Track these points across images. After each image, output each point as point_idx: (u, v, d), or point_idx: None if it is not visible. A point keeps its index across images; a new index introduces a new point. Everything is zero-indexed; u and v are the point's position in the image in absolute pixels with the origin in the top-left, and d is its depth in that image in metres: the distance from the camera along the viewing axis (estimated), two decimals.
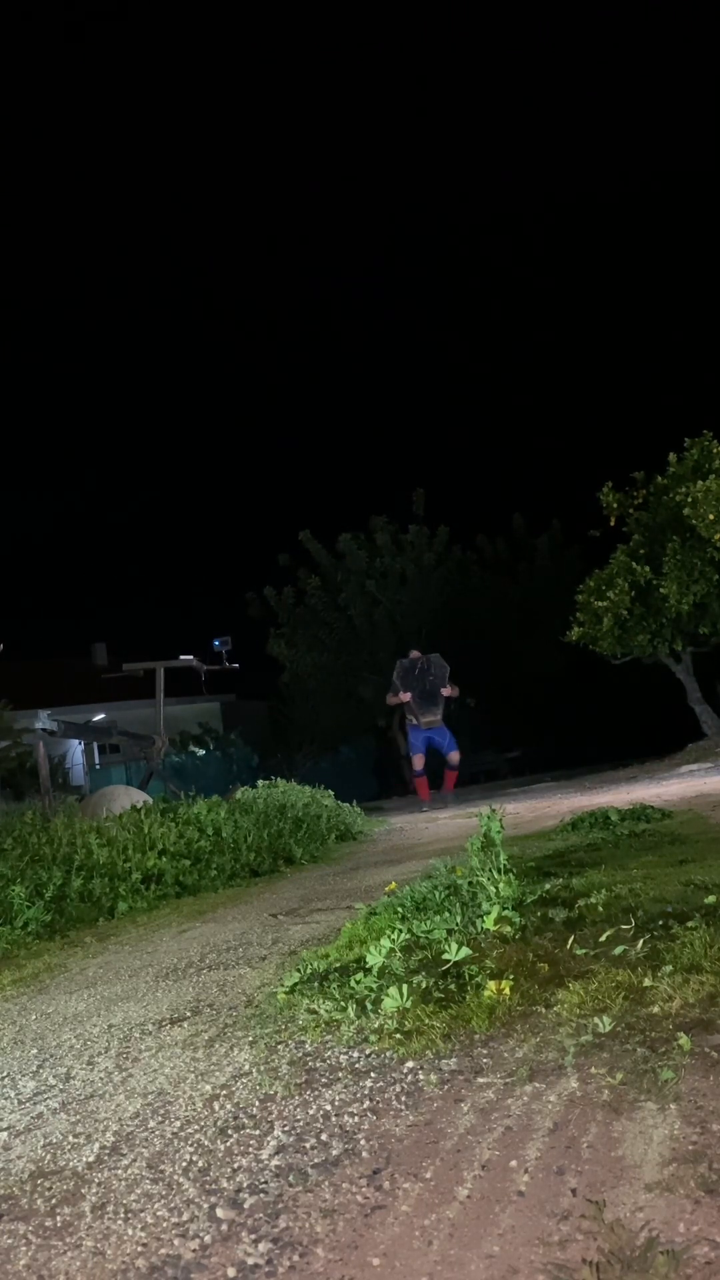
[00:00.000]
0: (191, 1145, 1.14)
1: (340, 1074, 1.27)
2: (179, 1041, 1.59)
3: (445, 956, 1.50)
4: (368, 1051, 1.32)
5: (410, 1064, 1.25)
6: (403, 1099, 1.15)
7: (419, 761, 9.90)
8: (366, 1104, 1.15)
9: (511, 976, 1.41)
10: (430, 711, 9.57)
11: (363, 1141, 1.06)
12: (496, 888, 1.83)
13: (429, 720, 9.59)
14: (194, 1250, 0.89)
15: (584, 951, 1.50)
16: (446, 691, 9.52)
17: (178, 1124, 1.22)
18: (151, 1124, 1.23)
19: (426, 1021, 1.34)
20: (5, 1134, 1.31)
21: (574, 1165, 0.91)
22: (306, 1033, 1.45)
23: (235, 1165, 1.06)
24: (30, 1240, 0.98)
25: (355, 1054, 1.33)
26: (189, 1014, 1.77)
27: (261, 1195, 0.98)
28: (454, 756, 9.69)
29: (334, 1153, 1.04)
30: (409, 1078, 1.21)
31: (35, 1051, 1.72)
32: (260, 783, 7.55)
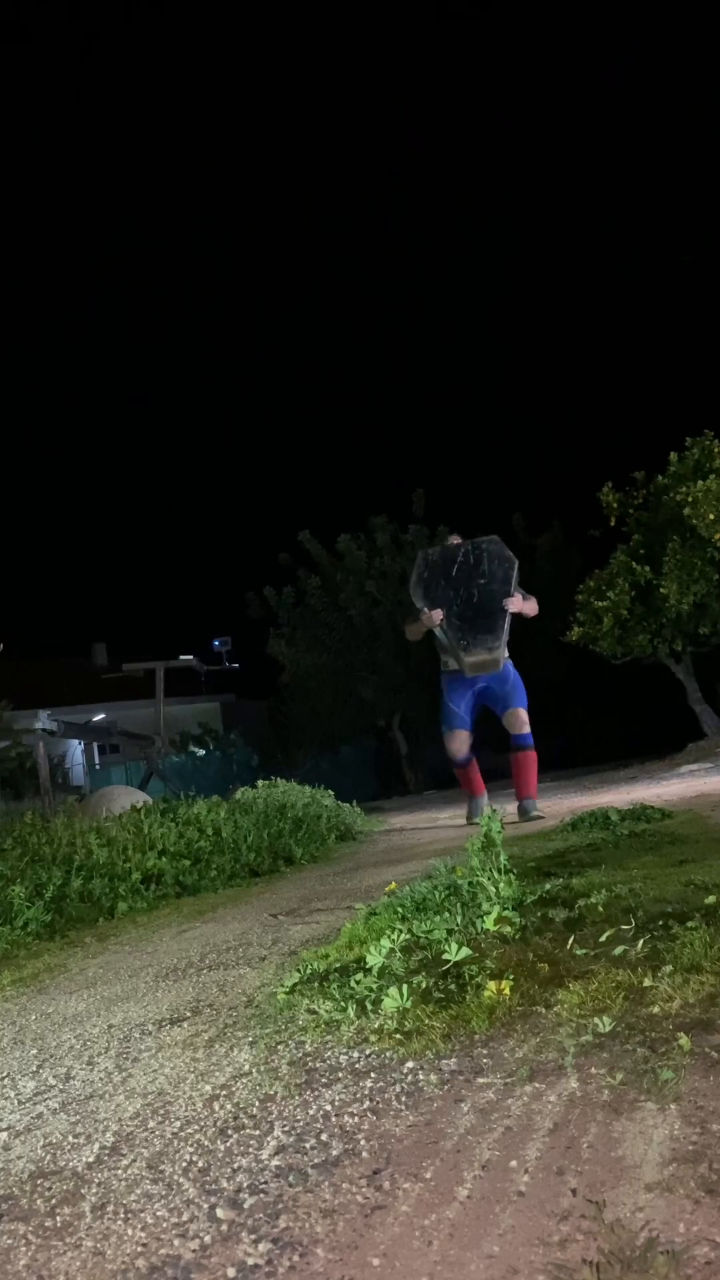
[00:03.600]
0: (191, 1145, 1.14)
1: (340, 1074, 1.27)
2: (179, 1041, 1.59)
3: (445, 957, 1.50)
4: (368, 1052, 1.32)
5: (410, 1064, 1.25)
6: (403, 1099, 1.15)
7: (459, 743, 5.63)
8: (366, 1104, 1.15)
9: (511, 976, 1.41)
10: (481, 644, 5.24)
11: (363, 1141, 1.06)
12: (497, 888, 1.83)
13: (478, 661, 5.24)
14: (194, 1250, 0.89)
15: (584, 951, 1.50)
16: (513, 605, 5.28)
17: (178, 1124, 1.21)
18: (151, 1124, 1.23)
19: (426, 1022, 1.34)
20: (5, 1134, 1.31)
21: (574, 1165, 0.91)
22: (306, 1033, 1.45)
23: (235, 1165, 1.06)
24: (30, 1240, 0.98)
25: (355, 1054, 1.33)
26: (189, 1014, 1.77)
27: (261, 1195, 0.98)
28: (519, 717, 5.44)
29: (334, 1153, 1.04)
30: (409, 1078, 1.21)
31: (35, 1052, 1.72)
32: (260, 783, 7.56)
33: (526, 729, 5.60)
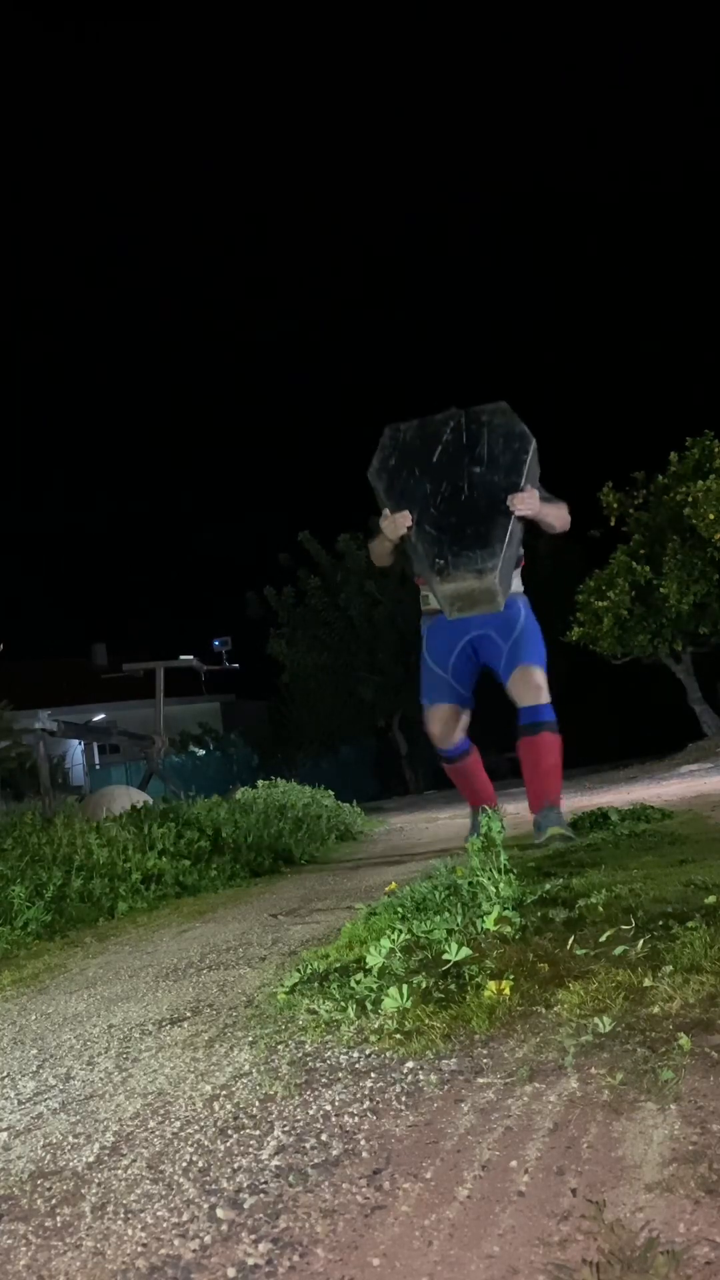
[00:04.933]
0: (191, 1145, 1.14)
1: (340, 1074, 1.27)
2: (179, 1042, 1.59)
3: (445, 957, 1.50)
4: (368, 1052, 1.32)
5: (410, 1064, 1.25)
6: (403, 1099, 1.15)
7: (442, 722, 3.93)
8: (366, 1104, 1.15)
9: (512, 976, 1.41)
10: (467, 563, 3.50)
11: (363, 1142, 1.06)
12: (497, 888, 1.83)
13: (462, 590, 3.52)
14: (194, 1250, 0.89)
15: (584, 951, 1.50)
16: (523, 505, 3.56)
17: (178, 1124, 1.21)
18: (151, 1124, 1.23)
19: (426, 1022, 1.34)
20: (5, 1134, 1.31)
21: (574, 1165, 0.91)
22: (306, 1033, 1.45)
23: (235, 1165, 1.06)
24: (30, 1240, 0.98)
25: (355, 1054, 1.33)
26: (189, 1014, 1.76)
27: (261, 1195, 0.98)
28: (532, 679, 3.73)
29: (334, 1153, 1.04)
30: (409, 1078, 1.21)
31: (35, 1052, 1.72)
32: (260, 783, 7.56)
33: (544, 698, 3.63)
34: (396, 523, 3.67)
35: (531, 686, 3.75)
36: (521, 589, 3.92)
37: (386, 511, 3.70)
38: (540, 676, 3.79)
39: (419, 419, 3.78)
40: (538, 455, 3.70)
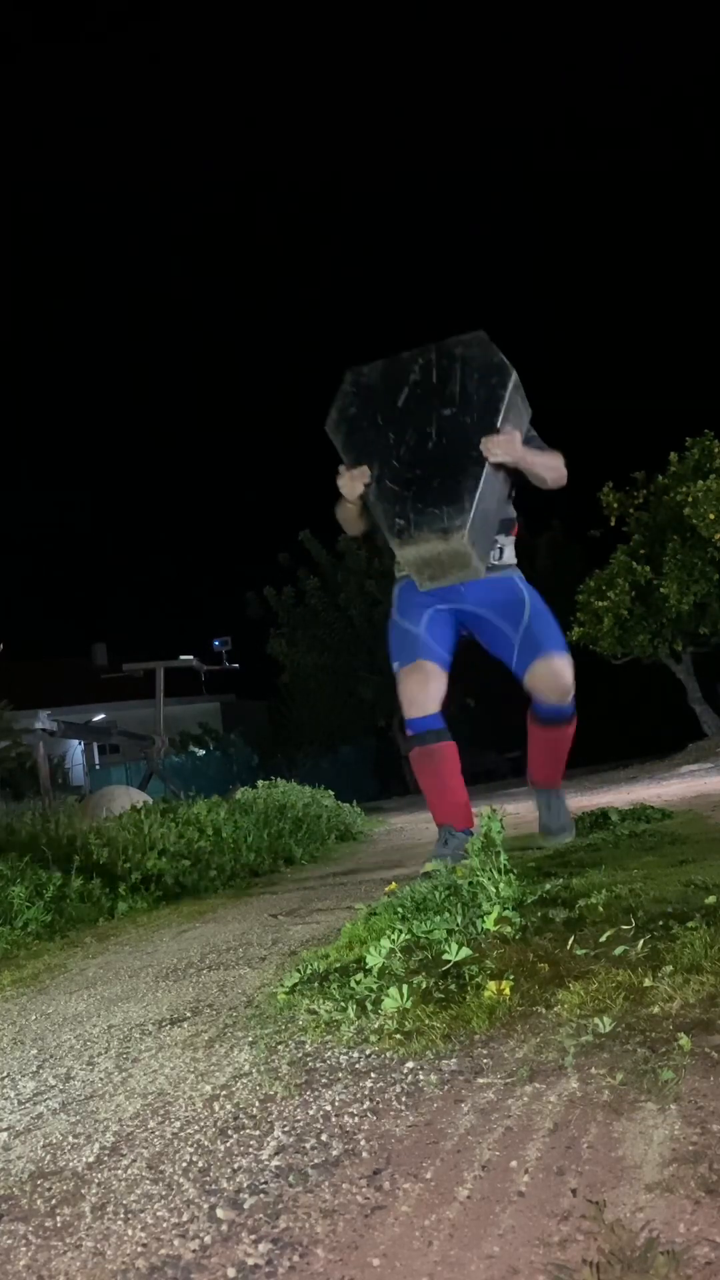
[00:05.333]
0: (191, 1145, 1.14)
1: (340, 1074, 1.27)
2: (179, 1042, 1.59)
3: (445, 957, 1.50)
4: (368, 1052, 1.32)
5: (410, 1064, 1.25)
6: (403, 1099, 1.15)
7: (418, 685, 3.19)
8: (366, 1104, 1.15)
9: (512, 977, 1.41)
10: (430, 521, 2.91)
11: (363, 1142, 1.06)
12: (497, 888, 1.83)
13: (425, 554, 2.93)
14: (194, 1251, 0.89)
15: (584, 952, 1.50)
16: (499, 450, 2.94)
17: (178, 1124, 1.21)
18: (151, 1124, 1.23)
19: (427, 1022, 1.34)
20: (5, 1134, 1.31)
21: (574, 1165, 0.91)
22: (306, 1033, 1.45)
23: (235, 1166, 1.06)
24: (30, 1241, 0.98)
25: (355, 1054, 1.33)
26: (189, 1014, 1.76)
27: (261, 1196, 0.97)
28: (556, 673, 3.18)
29: (334, 1153, 1.04)
30: (409, 1078, 1.21)
31: (35, 1052, 1.72)
32: (260, 783, 7.55)
33: (569, 698, 3.20)
34: (353, 479, 3.08)
35: (560, 685, 3.19)
36: (514, 561, 3.32)
37: (342, 468, 3.11)
38: (568, 670, 3.21)
39: (385, 359, 3.13)
40: (523, 392, 3.06)
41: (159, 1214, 0.98)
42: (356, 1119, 1.12)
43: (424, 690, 3.22)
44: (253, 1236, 0.90)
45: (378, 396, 3.13)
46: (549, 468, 3.19)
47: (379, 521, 3.07)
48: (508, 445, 2.97)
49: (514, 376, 2.99)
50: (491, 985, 1.38)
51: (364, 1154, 1.03)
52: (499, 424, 2.96)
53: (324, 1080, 1.26)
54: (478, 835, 2.00)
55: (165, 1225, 0.95)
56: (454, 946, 1.51)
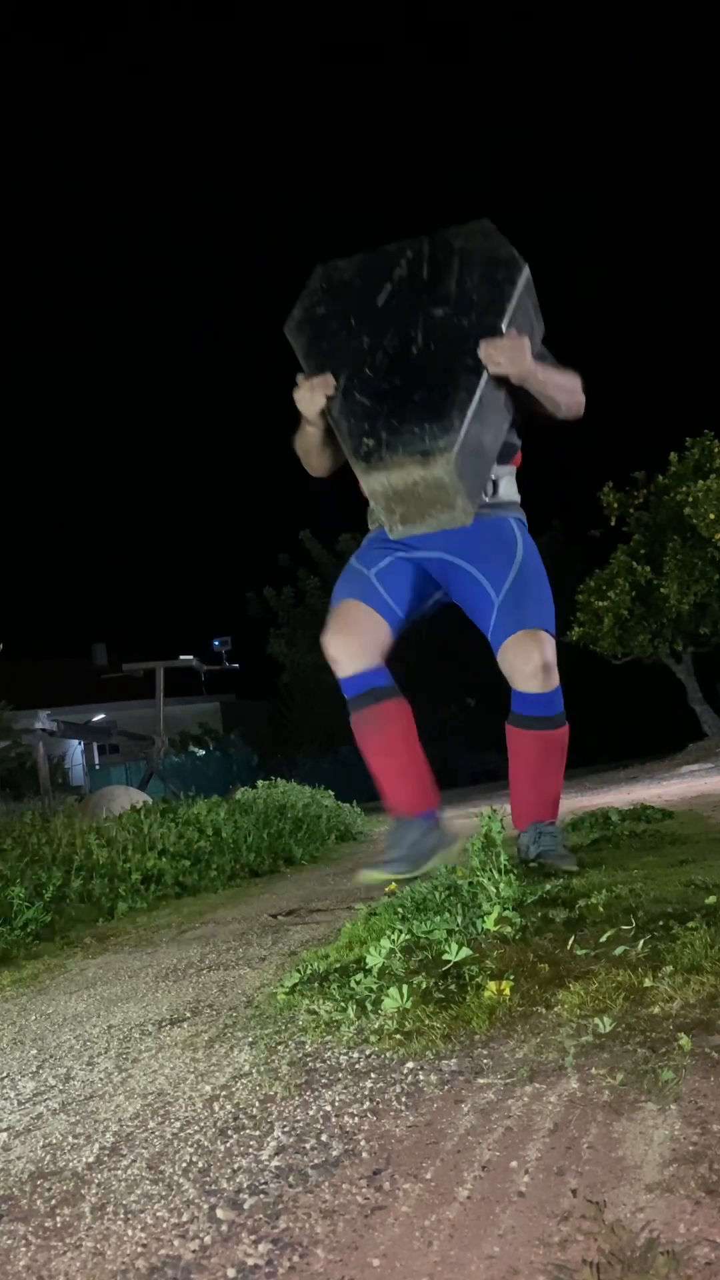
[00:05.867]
0: (191, 1146, 1.14)
1: (340, 1074, 1.27)
2: (179, 1042, 1.59)
3: (445, 957, 1.50)
4: (368, 1052, 1.32)
5: (410, 1065, 1.25)
6: (403, 1100, 1.15)
7: (342, 623, 2.57)
8: (366, 1105, 1.15)
9: (512, 977, 1.41)
10: (407, 439, 2.24)
11: (363, 1142, 1.06)
12: (497, 888, 1.83)
13: (398, 483, 2.25)
14: (194, 1251, 0.89)
15: (584, 952, 1.50)
16: (500, 358, 2.29)
17: (177, 1124, 1.21)
18: (151, 1124, 1.23)
19: (427, 1022, 1.34)
20: (5, 1134, 1.31)
21: (574, 1166, 0.91)
22: (306, 1033, 1.45)
23: (235, 1166, 1.06)
24: (30, 1241, 0.98)
25: (355, 1054, 1.33)
26: (189, 1014, 1.76)
27: (261, 1196, 0.97)
28: (537, 649, 2.47)
29: (334, 1153, 1.04)
30: (409, 1078, 1.21)
31: (35, 1052, 1.72)
32: (260, 783, 7.55)
33: (549, 682, 2.52)
34: (313, 389, 2.40)
35: (535, 666, 2.47)
36: (517, 498, 2.67)
37: (300, 377, 2.46)
38: (549, 648, 2.51)
39: (363, 255, 2.54)
40: (535, 297, 2.49)
41: (159, 1214, 0.98)
42: (356, 1119, 1.12)
43: (353, 638, 2.53)
44: (253, 1237, 0.90)
45: (353, 294, 2.49)
46: (564, 389, 2.54)
47: (342, 442, 2.38)
48: (514, 353, 2.31)
49: (525, 271, 2.40)
50: (491, 985, 1.38)
51: (364, 1154, 1.02)
52: (504, 326, 2.33)
53: (324, 1080, 1.26)
54: (477, 835, 2.00)
55: (165, 1225, 0.95)
56: (454, 946, 1.51)
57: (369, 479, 2.33)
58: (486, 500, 2.56)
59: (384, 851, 2.53)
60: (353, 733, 2.60)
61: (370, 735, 2.57)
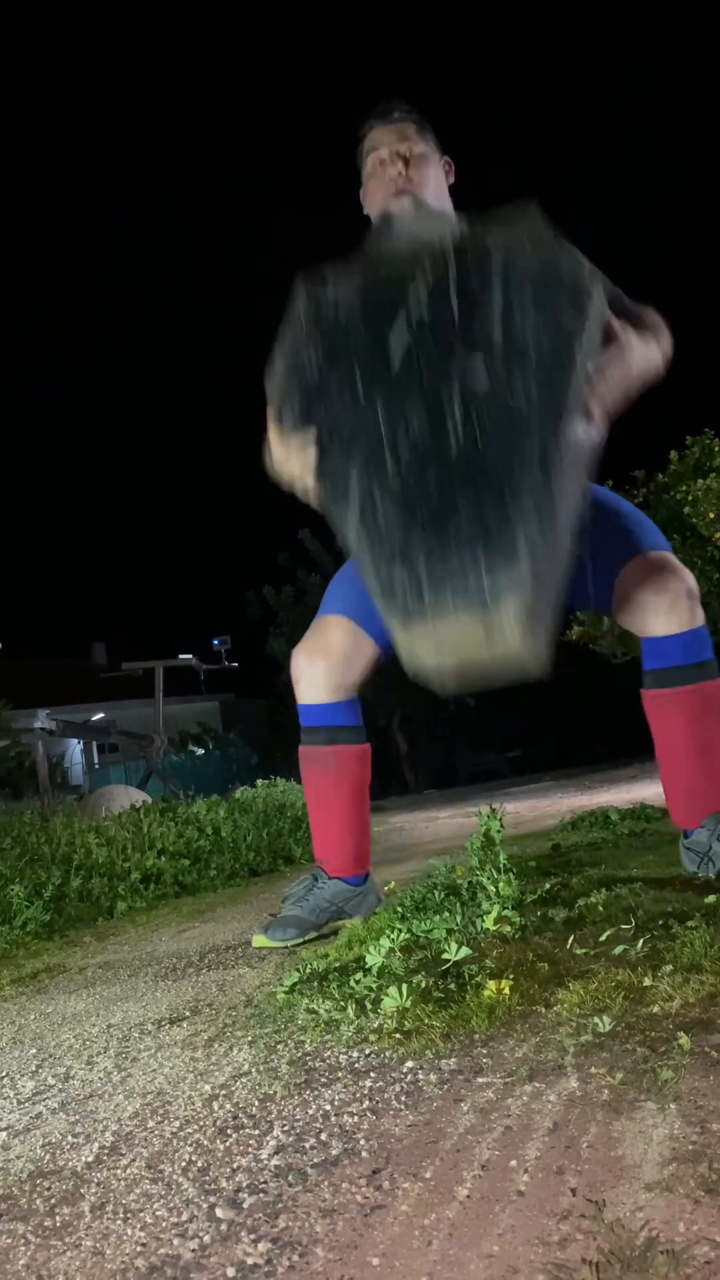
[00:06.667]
0: (191, 1145, 1.14)
1: (340, 1074, 1.27)
2: (178, 1041, 1.59)
3: (445, 956, 1.50)
4: (367, 1051, 1.32)
5: (410, 1064, 1.25)
6: (402, 1099, 1.15)
7: (320, 642, 2.14)
8: (366, 1104, 1.15)
9: (511, 976, 1.41)
10: (465, 594, 1.46)
11: (362, 1141, 1.06)
12: (496, 887, 1.83)
13: (458, 644, 1.48)
14: (193, 1250, 0.89)
15: (584, 951, 1.50)
16: (601, 427, 1.58)
17: (177, 1124, 1.21)
18: (151, 1124, 1.23)
19: (426, 1021, 1.34)
20: (4, 1134, 1.31)
21: (574, 1165, 0.91)
22: (306, 1032, 1.45)
23: (234, 1165, 1.06)
24: (29, 1240, 0.97)
25: (355, 1054, 1.33)
26: (188, 1014, 1.76)
27: (261, 1195, 0.97)
28: (681, 576, 1.89)
29: (333, 1152, 1.04)
30: (409, 1077, 1.21)
31: (34, 1051, 1.72)
32: (260, 782, 7.55)
33: (696, 615, 1.94)
34: (289, 458, 1.80)
35: (677, 593, 1.92)
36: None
37: (272, 437, 1.87)
38: (686, 572, 1.97)
39: (363, 257, 1.84)
40: (603, 280, 1.76)
41: (158, 1213, 0.98)
42: (356, 1118, 1.12)
43: (327, 663, 2.14)
44: (252, 1236, 0.90)
45: (353, 333, 1.76)
46: (650, 362, 1.90)
47: (364, 574, 1.67)
48: (607, 402, 1.73)
49: (599, 293, 1.65)
50: (491, 985, 1.38)
51: (363, 1153, 1.02)
52: (573, 385, 1.59)
53: (323, 1080, 1.26)
54: (477, 834, 1.99)
55: (164, 1225, 0.95)
56: (454, 946, 1.51)
57: (408, 637, 1.63)
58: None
59: (281, 902, 2.27)
60: (304, 762, 2.27)
61: (315, 779, 2.24)
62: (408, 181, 1.99)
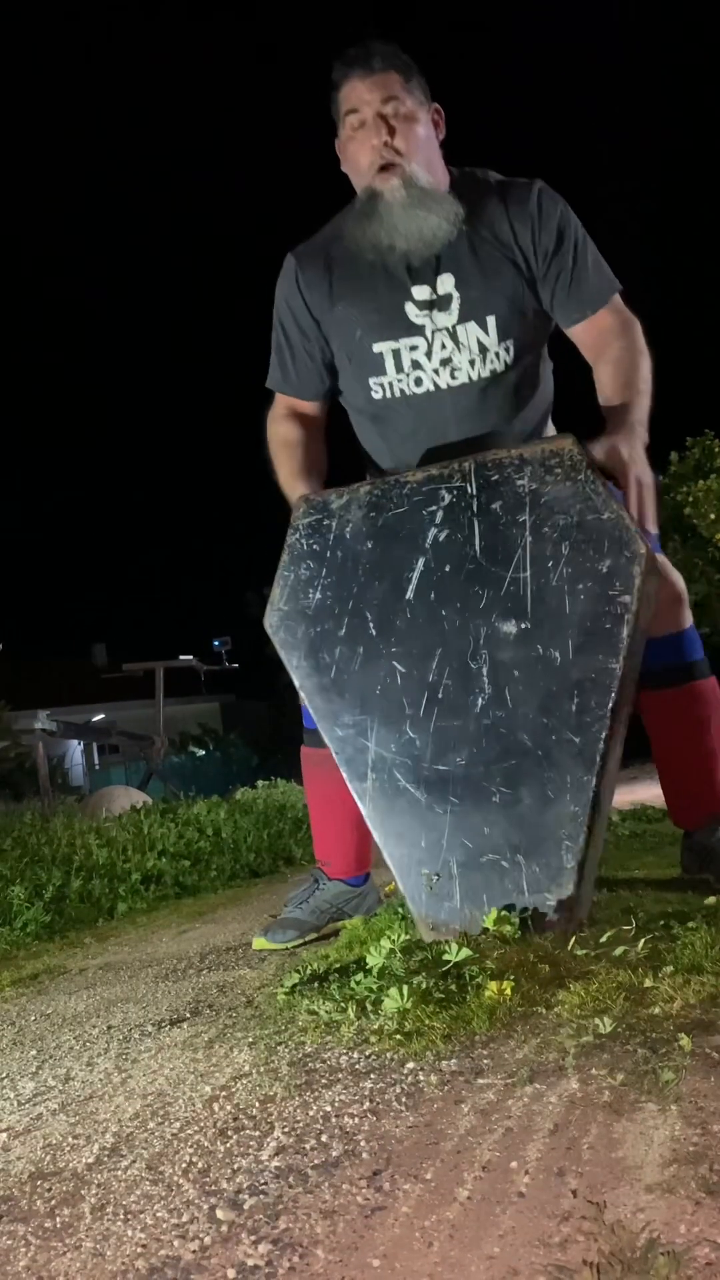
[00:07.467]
0: (191, 1146, 1.14)
1: (340, 1075, 1.27)
2: (178, 1043, 1.59)
3: (445, 957, 1.50)
4: (368, 1052, 1.32)
5: (410, 1065, 1.25)
6: (403, 1100, 1.15)
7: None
8: (367, 1105, 1.15)
9: (512, 977, 1.41)
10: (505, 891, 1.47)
11: (363, 1142, 1.05)
12: None
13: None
14: (194, 1251, 0.89)
15: (584, 952, 1.50)
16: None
17: (177, 1125, 1.21)
18: (151, 1125, 1.23)
19: (427, 1022, 1.34)
20: (5, 1135, 1.31)
21: (574, 1166, 0.91)
22: (306, 1034, 1.45)
23: (235, 1166, 1.06)
24: (30, 1241, 0.97)
25: (355, 1055, 1.32)
26: (188, 1015, 1.76)
27: (261, 1196, 0.97)
28: (674, 579, 1.90)
29: (334, 1154, 1.04)
30: (409, 1079, 1.21)
31: (35, 1053, 1.72)
32: (260, 783, 7.55)
33: (685, 616, 1.99)
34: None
35: (668, 596, 1.89)
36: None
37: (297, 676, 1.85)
38: (676, 574, 1.97)
39: (369, 480, 1.75)
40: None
41: (159, 1215, 0.98)
42: (356, 1120, 1.12)
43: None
44: (252, 1237, 0.90)
45: (364, 572, 1.66)
46: (648, 390, 1.97)
47: (395, 876, 1.67)
48: (651, 515, 1.71)
49: (645, 552, 1.49)
50: (492, 985, 1.38)
51: (364, 1155, 1.02)
52: (624, 657, 1.52)
53: (324, 1081, 1.26)
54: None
55: (165, 1226, 0.95)
56: (454, 947, 1.51)
57: (428, 929, 1.64)
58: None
59: (283, 906, 2.30)
60: (306, 766, 2.25)
61: (317, 780, 2.18)
62: (394, 154, 1.77)
